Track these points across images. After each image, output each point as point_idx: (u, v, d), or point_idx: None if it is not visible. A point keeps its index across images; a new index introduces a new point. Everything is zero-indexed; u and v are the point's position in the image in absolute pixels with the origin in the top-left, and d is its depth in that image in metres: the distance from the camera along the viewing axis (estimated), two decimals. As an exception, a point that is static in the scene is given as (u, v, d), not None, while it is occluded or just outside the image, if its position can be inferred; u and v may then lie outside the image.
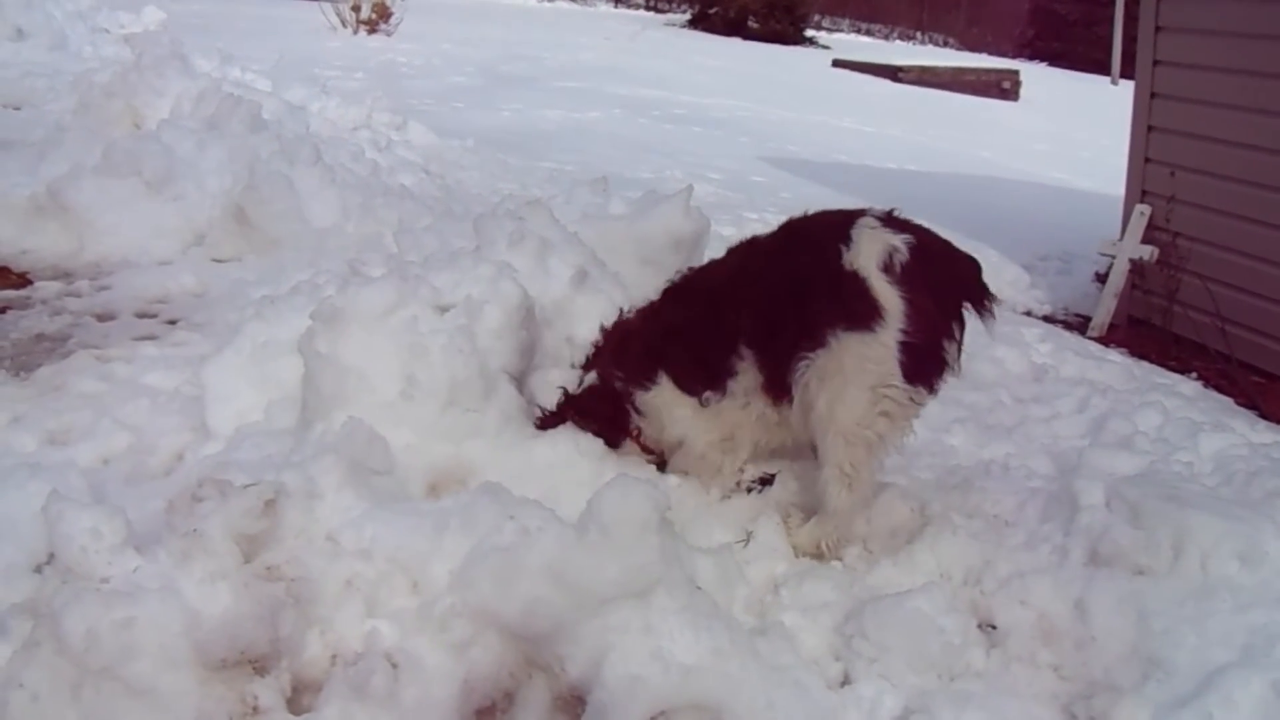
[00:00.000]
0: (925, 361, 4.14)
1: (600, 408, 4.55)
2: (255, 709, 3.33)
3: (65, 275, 7.15)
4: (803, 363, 4.18)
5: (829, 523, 4.34)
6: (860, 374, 4.09)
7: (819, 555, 4.36)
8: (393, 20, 26.65)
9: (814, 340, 4.13)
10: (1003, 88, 32.47)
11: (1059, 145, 22.53)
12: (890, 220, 4.20)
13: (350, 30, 25.86)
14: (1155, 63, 9.60)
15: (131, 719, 3.20)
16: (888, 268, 4.04)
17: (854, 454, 4.22)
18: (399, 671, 3.43)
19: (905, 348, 4.06)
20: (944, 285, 4.17)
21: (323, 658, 3.52)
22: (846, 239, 4.11)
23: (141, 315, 6.57)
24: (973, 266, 4.31)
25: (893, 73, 32.04)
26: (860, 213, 4.26)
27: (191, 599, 3.34)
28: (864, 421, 4.16)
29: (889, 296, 4.03)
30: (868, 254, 4.07)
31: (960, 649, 3.81)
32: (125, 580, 3.35)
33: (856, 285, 4.04)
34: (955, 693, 3.68)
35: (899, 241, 4.08)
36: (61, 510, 3.43)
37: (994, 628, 3.99)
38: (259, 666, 3.39)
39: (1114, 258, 9.76)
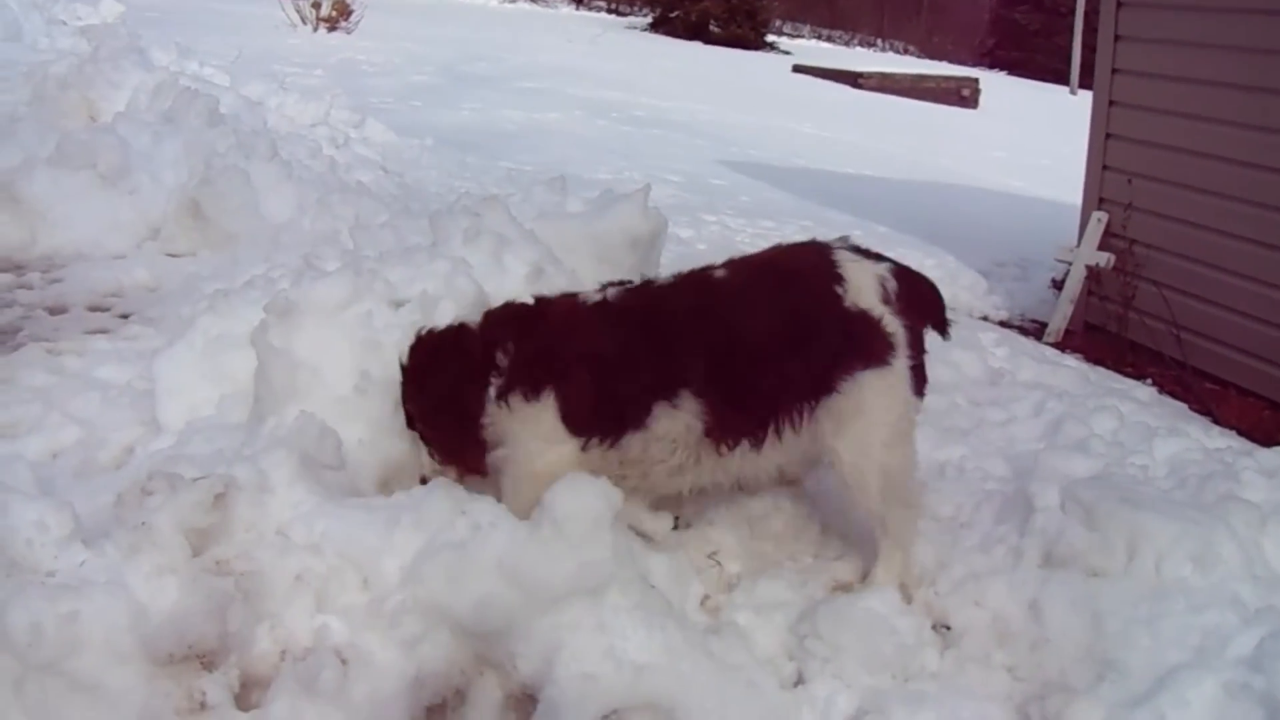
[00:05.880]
0: (922, 379, 4.15)
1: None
2: (203, 705, 3.30)
3: (16, 267, 7.08)
4: (804, 409, 4.01)
5: (900, 556, 4.20)
6: (887, 410, 4.02)
7: (911, 591, 4.20)
8: (353, 18, 26.55)
9: (824, 385, 3.98)
10: (962, 95, 32.64)
11: (1017, 153, 22.63)
12: (858, 250, 4.16)
13: (310, 27, 25.74)
14: (1114, 71, 9.65)
15: (76, 714, 3.16)
16: (886, 299, 4.00)
17: (906, 486, 4.16)
18: (349, 668, 3.42)
19: (912, 371, 4.07)
20: (919, 307, 4.16)
21: (272, 653, 3.49)
22: (838, 277, 4.00)
23: (94, 309, 6.52)
24: (937, 290, 4.34)
25: (853, 79, 32.16)
26: (825, 246, 4.18)
27: (139, 593, 3.30)
28: (903, 452, 4.13)
29: (896, 327, 3.99)
30: (868, 289, 4.00)
31: (914, 649, 3.82)
32: (71, 574, 3.32)
33: (868, 323, 3.97)
34: (909, 693, 3.69)
35: (885, 271, 4.07)
36: (7, 502, 3.39)
37: (948, 628, 4.00)
38: (207, 662, 3.36)
39: (1070, 264, 9.81)
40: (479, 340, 4.06)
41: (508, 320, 4.11)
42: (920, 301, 4.17)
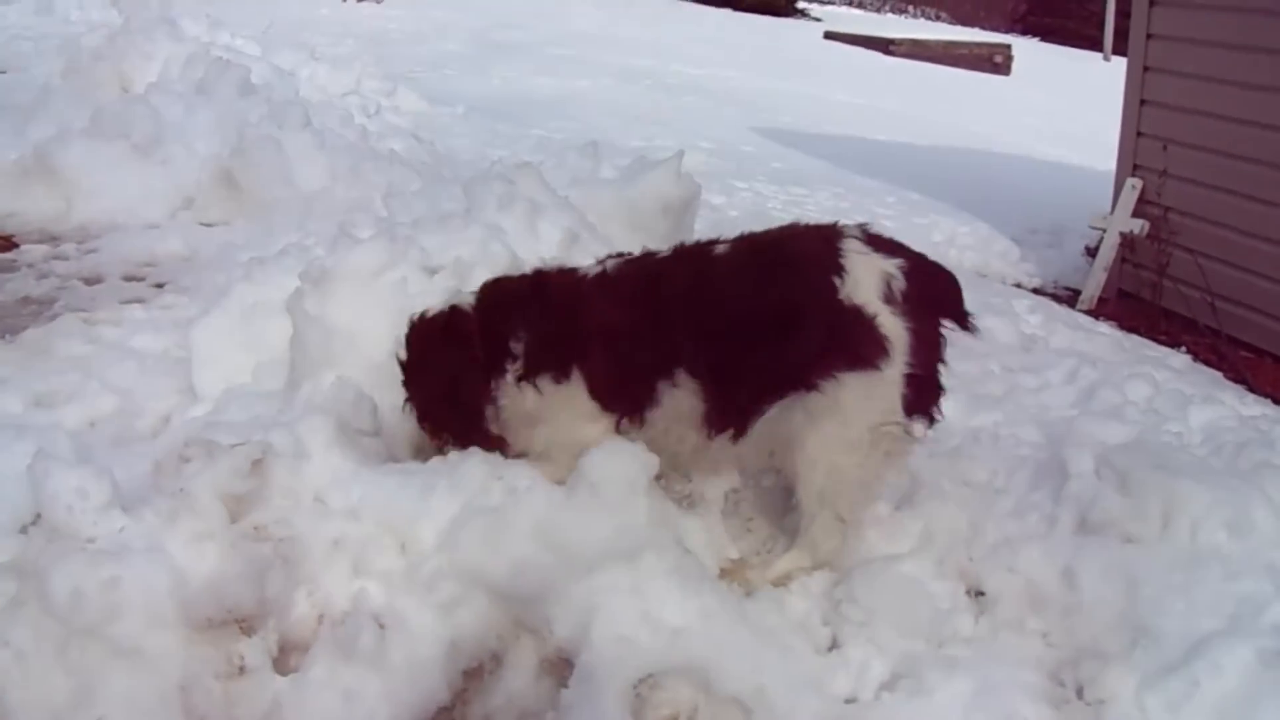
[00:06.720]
0: (928, 392, 3.84)
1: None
2: (242, 669, 3.33)
3: (52, 238, 7.13)
4: (782, 403, 3.78)
5: (807, 560, 4.00)
6: (862, 413, 3.72)
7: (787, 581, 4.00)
8: (383, -13, 26.52)
9: (803, 382, 3.70)
10: (994, 62, 32.45)
11: (1050, 120, 22.49)
12: (872, 239, 3.79)
13: (340, -3, 25.74)
14: (1149, 36, 9.57)
15: (117, 678, 3.19)
16: (889, 298, 3.64)
17: (851, 497, 3.92)
18: (386, 632, 3.44)
19: (910, 380, 3.72)
20: (935, 307, 3.83)
21: (310, 618, 3.53)
22: (838, 268, 3.66)
23: (129, 278, 6.55)
24: (955, 284, 4.00)
25: (885, 45, 32.01)
26: (836, 232, 3.82)
27: (178, 559, 3.34)
28: (864, 463, 3.84)
29: (895, 329, 3.64)
30: (867, 284, 3.65)
31: (949, 615, 3.81)
32: (111, 540, 3.35)
33: (861, 321, 3.63)
34: (943, 658, 3.67)
35: (893, 267, 3.69)
36: (48, 469, 3.42)
37: (982, 594, 3.98)
38: (246, 626, 3.40)
39: (1104, 231, 9.76)
40: (476, 324, 3.94)
41: (510, 302, 3.97)
42: (935, 298, 3.83)
